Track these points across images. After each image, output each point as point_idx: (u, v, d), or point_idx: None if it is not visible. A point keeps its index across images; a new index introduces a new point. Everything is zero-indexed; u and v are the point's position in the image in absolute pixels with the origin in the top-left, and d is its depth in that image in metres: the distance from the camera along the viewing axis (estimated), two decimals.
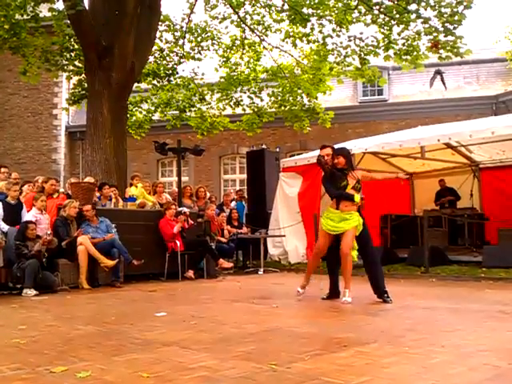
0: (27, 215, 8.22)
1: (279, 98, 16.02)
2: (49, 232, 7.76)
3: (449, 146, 11.88)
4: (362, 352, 3.54)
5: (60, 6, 11.88)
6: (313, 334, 4.30)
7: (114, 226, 8.77)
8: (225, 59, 16.01)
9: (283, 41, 14.60)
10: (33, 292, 7.21)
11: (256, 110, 16.33)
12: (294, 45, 14.44)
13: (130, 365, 3.31)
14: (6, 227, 7.88)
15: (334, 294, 6.40)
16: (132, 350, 3.71)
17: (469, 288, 7.58)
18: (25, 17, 11.95)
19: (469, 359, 3.35)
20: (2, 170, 9.67)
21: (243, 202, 13.41)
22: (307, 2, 12.85)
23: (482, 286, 7.79)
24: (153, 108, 16.42)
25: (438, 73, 11.70)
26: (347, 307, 5.91)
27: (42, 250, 7.52)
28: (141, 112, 16.45)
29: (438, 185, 12.81)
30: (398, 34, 12.21)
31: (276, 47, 15.34)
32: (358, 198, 6.06)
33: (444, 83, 11.40)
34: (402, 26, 11.98)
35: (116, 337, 4.24)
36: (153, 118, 16.61)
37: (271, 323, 4.75)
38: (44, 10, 12.23)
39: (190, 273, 9.43)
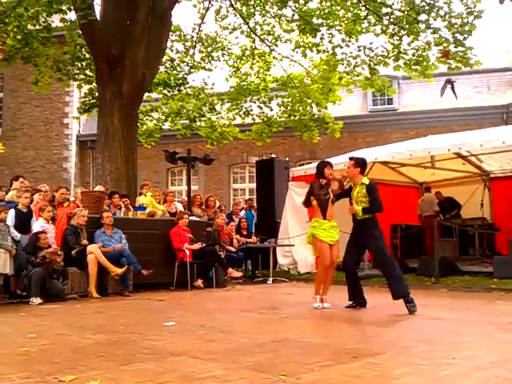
0: (34, 225, 8.26)
1: (289, 107, 16.05)
2: (59, 252, 7.79)
3: (459, 155, 11.82)
4: (372, 363, 3.52)
5: (72, 16, 12.00)
6: (322, 345, 4.28)
7: (124, 237, 8.81)
8: (235, 69, 16.09)
9: (293, 51, 14.65)
10: (38, 300, 7.23)
11: (265, 119, 16.38)
12: (304, 55, 14.48)
13: (139, 374, 3.31)
14: (18, 235, 7.93)
15: (361, 303, 6.50)
16: (141, 360, 3.71)
17: (480, 299, 7.52)
18: (37, 27, 12.08)
19: (479, 371, 3.32)
20: (21, 179, 9.76)
21: (252, 211, 13.41)
22: (317, 13, 12.90)
23: (493, 296, 7.72)
24: (163, 117, 16.51)
25: (449, 82, 11.68)
26: (357, 317, 5.88)
27: (47, 256, 7.52)
28: (151, 121, 16.55)
29: (436, 198, 12.77)
30: (408, 45, 12.23)
31: (286, 57, 15.39)
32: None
33: (455, 93, 11.39)
34: (411, 37, 11.99)
35: (125, 346, 4.25)
36: (163, 127, 16.70)
37: (280, 333, 4.73)
38: (56, 21, 12.36)
39: (199, 282, 9.42)
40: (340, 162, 11.11)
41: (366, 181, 6.57)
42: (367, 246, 6.55)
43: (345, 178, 6.85)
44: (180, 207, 11.44)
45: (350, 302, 6.53)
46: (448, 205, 12.55)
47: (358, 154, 11.45)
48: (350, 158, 6.76)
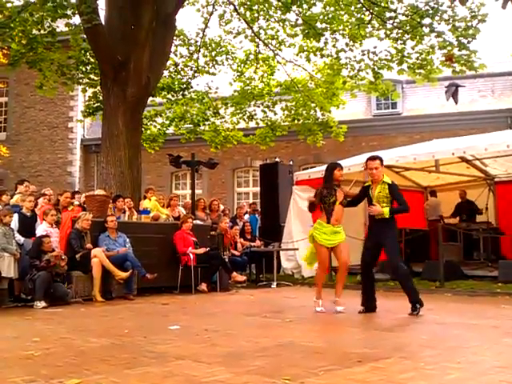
0: (38, 229, 8.28)
1: (293, 111, 16.05)
2: (63, 256, 7.81)
3: (463, 159, 11.81)
4: (377, 367, 3.51)
5: (76, 20, 12.05)
6: (327, 349, 4.27)
7: (128, 240, 8.81)
8: (239, 73, 16.10)
9: (297, 55, 14.64)
10: (42, 304, 7.25)
11: (269, 123, 16.38)
12: (308, 59, 14.47)
13: (143, 378, 3.31)
14: (22, 239, 7.96)
15: (371, 308, 6.41)
16: (145, 363, 3.71)
17: (485, 303, 7.49)
18: (42, 32, 12.13)
19: (485, 376, 3.31)
20: (26, 183, 9.80)
21: (256, 215, 13.41)
22: (321, 17, 12.91)
23: (498, 301, 7.69)
24: (167, 122, 16.52)
25: (454, 85, 11.62)
26: (361, 321, 5.86)
27: (52, 260, 7.54)
28: (155, 126, 16.57)
29: (459, 197, 12.68)
30: (412, 48, 12.21)
31: (290, 61, 15.39)
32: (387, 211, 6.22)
33: (455, 98, 11.31)
34: (415, 40, 11.99)
35: (129, 350, 4.24)
36: (167, 131, 16.72)
37: (284, 337, 4.72)
38: (61, 25, 12.41)
39: (203, 286, 9.42)
40: (344, 165, 11.13)
41: (387, 180, 6.39)
42: (385, 246, 6.31)
43: (352, 194, 6.75)
44: (182, 211, 11.45)
45: (362, 307, 6.42)
46: (467, 207, 12.48)
47: (362, 157, 11.49)
48: (373, 158, 6.46)
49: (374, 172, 6.33)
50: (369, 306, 6.41)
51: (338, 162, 7.23)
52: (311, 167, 16.23)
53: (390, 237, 6.28)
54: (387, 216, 6.18)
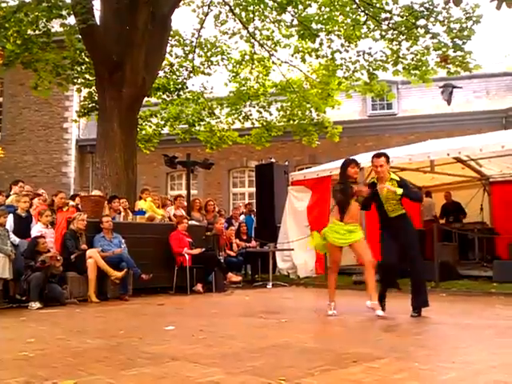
0: (33, 230, 8.26)
1: (288, 112, 16.07)
2: (58, 257, 7.79)
3: (458, 159, 11.83)
4: (372, 368, 3.51)
5: (72, 21, 12.02)
6: (322, 349, 4.27)
7: (123, 241, 8.80)
8: (234, 74, 16.11)
9: (292, 56, 14.68)
10: (37, 305, 7.23)
11: (265, 124, 16.39)
12: (303, 60, 14.51)
13: (139, 379, 3.30)
14: (17, 240, 7.93)
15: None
16: (140, 364, 3.71)
17: (479, 303, 7.51)
18: (37, 32, 12.10)
19: (480, 376, 3.32)
20: (20, 184, 9.78)
21: (252, 216, 13.41)
22: (316, 18, 12.94)
23: (492, 301, 7.71)
24: (162, 122, 16.51)
25: (450, 86, 11.68)
26: (356, 322, 5.87)
27: (47, 261, 7.52)
28: (150, 126, 16.55)
29: (444, 198, 12.74)
30: (407, 49, 12.26)
31: (285, 62, 15.42)
32: (399, 191, 5.94)
33: (449, 99, 11.35)
34: (410, 41, 12.03)
35: (125, 350, 4.24)
36: (162, 131, 16.70)
37: (280, 338, 4.72)
38: (56, 26, 12.37)
39: (199, 286, 9.41)
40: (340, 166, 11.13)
41: (395, 176, 6.15)
42: (405, 241, 6.04)
43: (366, 191, 6.28)
44: (183, 212, 11.44)
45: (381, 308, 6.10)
46: (451, 208, 12.53)
47: (357, 158, 11.51)
48: (379, 155, 6.17)
49: (380, 170, 6.08)
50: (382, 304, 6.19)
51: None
52: (307, 167, 16.24)
53: (409, 233, 6.09)
54: (400, 193, 5.90)
